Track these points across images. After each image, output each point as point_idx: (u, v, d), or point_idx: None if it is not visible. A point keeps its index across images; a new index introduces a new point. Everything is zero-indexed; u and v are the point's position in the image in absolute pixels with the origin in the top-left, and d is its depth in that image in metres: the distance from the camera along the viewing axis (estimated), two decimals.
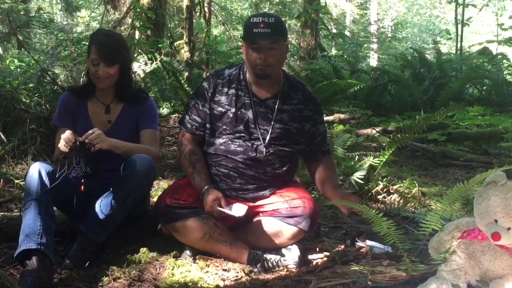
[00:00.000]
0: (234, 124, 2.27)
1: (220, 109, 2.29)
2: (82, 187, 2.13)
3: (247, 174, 2.26)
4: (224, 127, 2.28)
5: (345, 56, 11.25)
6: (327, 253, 2.26)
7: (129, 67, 2.53)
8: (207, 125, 2.31)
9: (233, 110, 2.28)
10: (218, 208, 2.11)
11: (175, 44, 9.22)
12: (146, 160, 2.26)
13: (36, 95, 4.87)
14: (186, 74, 7.76)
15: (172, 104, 6.68)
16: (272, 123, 2.27)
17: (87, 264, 2.15)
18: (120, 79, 2.43)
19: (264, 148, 2.26)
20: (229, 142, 2.27)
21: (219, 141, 2.28)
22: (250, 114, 2.27)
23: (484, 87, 9.10)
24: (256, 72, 2.21)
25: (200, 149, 2.33)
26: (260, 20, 2.16)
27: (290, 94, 2.32)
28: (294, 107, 2.31)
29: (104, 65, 2.34)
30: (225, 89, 2.30)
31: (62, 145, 2.10)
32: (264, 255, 2.22)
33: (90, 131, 2.16)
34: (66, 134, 2.12)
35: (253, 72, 2.23)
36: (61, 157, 2.21)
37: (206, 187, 2.18)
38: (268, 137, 2.27)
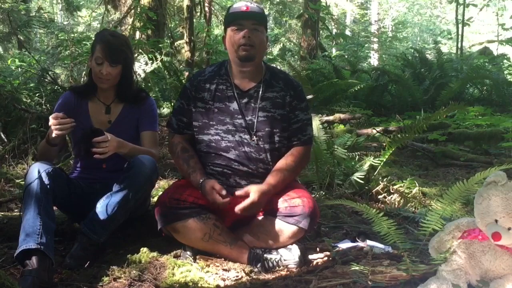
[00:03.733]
0: (221, 119, 2.29)
1: (204, 105, 2.31)
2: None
3: (241, 171, 2.27)
4: (212, 122, 2.30)
5: (346, 56, 11.26)
6: (327, 253, 2.26)
7: (131, 69, 2.54)
8: (195, 123, 2.33)
9: (217, 104, 2.30)
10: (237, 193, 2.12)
11: (175, 44, 9.22)
12: (149, 161, 2.26)
13: (37, 95, 4.88)
14: (187, 74, 7.77)
15: (172, 104, 6.68)
16: (256, 111, 2.29)
17: (87, 264, 2.14)
18: (122, 80, 2.44)
19: (254, 137, 2.27)
20: (219, 138, 2.29)
21: (209, 137, 2.30)
22: (235, 106, 2.29)
23: (485, 87, 9.11)
24: (240, 54, 2.23)
25: (192, 147, 2.36)
26: (243, 4, 2.25)
27: (271, 82, 2.34)
28: (276, 94, 2.33)
29: (107, 65, 2.36)
30: (207, 85, 2.33)
31: (53, 124, 2.15)
32: (264, 255, 2.22)
33: (107, 137, 2.22)
34: (58, 115, 2.17)
35: (237, 55, 2.25)
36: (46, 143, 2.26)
37: (201, 180, 2.19)
38: (254, 126, 2.28)
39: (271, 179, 2.23)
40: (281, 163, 2.30)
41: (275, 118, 2.31)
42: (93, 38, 2.51)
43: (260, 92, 2.31)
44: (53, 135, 2.19)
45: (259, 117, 2.29)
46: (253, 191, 2.14)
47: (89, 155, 2.22)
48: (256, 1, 12.16)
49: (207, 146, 2.31)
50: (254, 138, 2.28)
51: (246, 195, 2.14)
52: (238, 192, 2.15)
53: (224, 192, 2.14)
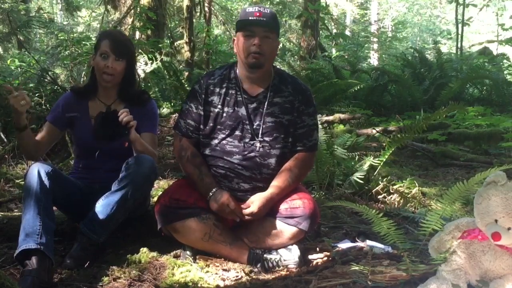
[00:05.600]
0: (229, 124, 2.28)
1: (213, 109, 2.30)
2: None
3: (244, 175, 2.27)
4: (219, 126, 2.29)
5: (345, 56, 11.26)
6: (327, 253, 2.26)
7: (134, 67, 2.55)
8: (202, 127, 2.31)
9: (225, 109, 2.29)
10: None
11: (175, 44, 9.22)
12: (148, 160, 2.26)
13: (37, 95, 4.87)
14: (187, 74, 7.78)
15: (172, 104, 6.68)
16: (263, 116, 2.28)
17: (87, 264, 2.14)
18: (125, 77, 2.44)
19: (258, 144, 2.26)
20: (224, 142, 2.27)
21: (215, 142, 2.29)
22: (243, 111, 2.28)
23: (484, 87, 9.11)
24: (249, 61, 2.22)
25: (199, 151, 2.35)
26: (256, 10, 2.21)
27: (280, 87, 2.33)
28: (285, 99, 2.31)
29: (113, 59, 2.36)
30: (217, 89, 2.31)
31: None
32: (264, 255, 2.22)
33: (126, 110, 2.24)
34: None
35: (246, 62, 2.23)
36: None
37: (215, 189, 2.21)
38: (260, 132, 2.27)
39: (275, 188, 2.24)
40: (285, 169, 2.29)
41: (283, 124, 2.30)
42: (94, 39, 2.53)
43: (268, 98, 2.29)
44: (11, 102, 2.24)
45: (266, 123, 2.28)
46: (255, 203, 2.18)
47: (115, 134, 2.24)
48: (256, 1, 12.18)
49: (212, 150, 2.30)
50: (261, 143, 2.27)
51: (248, 206, 2.19)
52: (244, 207, 2.20)
53: (233, 206, 2.18)
